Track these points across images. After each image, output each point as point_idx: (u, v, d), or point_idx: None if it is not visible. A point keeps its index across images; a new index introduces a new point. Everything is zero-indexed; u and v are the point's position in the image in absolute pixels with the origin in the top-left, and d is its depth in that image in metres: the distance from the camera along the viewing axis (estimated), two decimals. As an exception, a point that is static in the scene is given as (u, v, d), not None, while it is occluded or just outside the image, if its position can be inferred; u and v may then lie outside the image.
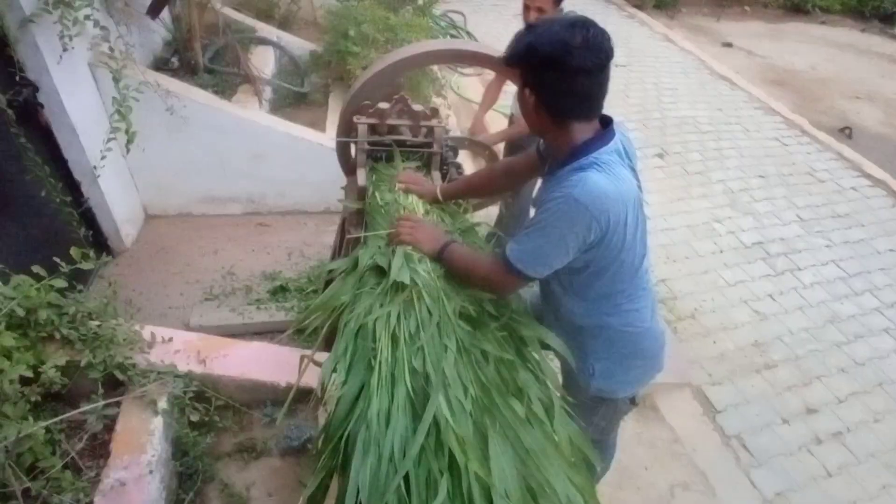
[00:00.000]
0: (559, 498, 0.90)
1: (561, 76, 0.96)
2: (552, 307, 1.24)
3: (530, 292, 1.37)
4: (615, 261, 1.06)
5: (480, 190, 1.50)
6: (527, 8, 2.06)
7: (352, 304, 1.15)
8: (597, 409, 1.29)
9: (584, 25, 0.96)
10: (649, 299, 1.19)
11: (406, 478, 0.89)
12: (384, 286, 1.16)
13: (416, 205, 1.42)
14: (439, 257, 1.21)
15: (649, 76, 5.24)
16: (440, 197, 1.42)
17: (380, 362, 1.02)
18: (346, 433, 0.96)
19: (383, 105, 1.62)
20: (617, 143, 1.04)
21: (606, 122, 1.06)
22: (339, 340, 1.08)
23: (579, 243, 1.00)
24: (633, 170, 1.10)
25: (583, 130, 1.02)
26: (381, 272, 1.21)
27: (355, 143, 1.59)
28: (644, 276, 1.15)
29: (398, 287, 1.15)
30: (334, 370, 1.04)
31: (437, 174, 1.63)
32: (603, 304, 1.14)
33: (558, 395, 1.08)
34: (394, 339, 1.06)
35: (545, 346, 1.17)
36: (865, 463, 2.12)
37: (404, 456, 0.91)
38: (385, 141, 1.61)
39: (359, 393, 1.00)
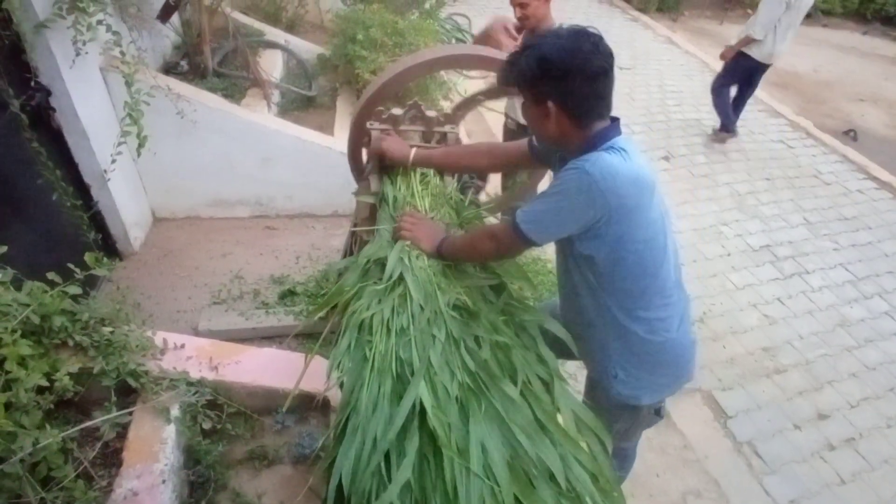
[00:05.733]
0: (556, 475, 0.92)
1: (584, 81, 0.99)
2: (577, 310, 1.24)
3: (558, 300, 1.37)
4: (630, 249, 1.06)
5: (458, 165, 1.50)
6: (514, 6, 2.14)
7: (355, 299, 1.19)
8: (619, 416, 1.28)
9: (585, 33, 1.00)
10: (678, 309, 1.17)
11: (389, 462, 0.93)
12: (380, 279, 1.21)
13: (423, 203, 1.44)
14: (438, 253, 1.26)
15: (653, 79, 5.25)
16: (409, 161, 1.44)
17: (374, 354, 1.07)
18: (342, 422, 1.00)
19: (396, 111, 1.62)
20: (629, 138, 1.06)
21: (612, 121, 1.10)
22: (342, 335, 1.12)
23: (587, 216, 1.01)
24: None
25: (599, 127, 1.07)
26: (384, 268, 1.25)
27: (368, 149, 1.58)
28: (670, 280, 1.13)
29: (395, 283, 1.20)
30: (339, 364, 1.08)
31: (449, 179, 1.62)
32: (624, 304, 1.13)
33: (556, 376, 1.10)
34: (388, 332, 1.11)
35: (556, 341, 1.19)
36: (879, 469, 2.11)
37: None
38: None
39: (355, 384, 1.05)
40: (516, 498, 0.89)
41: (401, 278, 1.21)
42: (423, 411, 0.97)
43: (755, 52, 3.78)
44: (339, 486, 0.93)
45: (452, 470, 0.89)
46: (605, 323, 1.17)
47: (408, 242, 1.28)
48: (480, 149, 1.45)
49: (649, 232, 1.05)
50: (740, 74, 3.97)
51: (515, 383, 1.05)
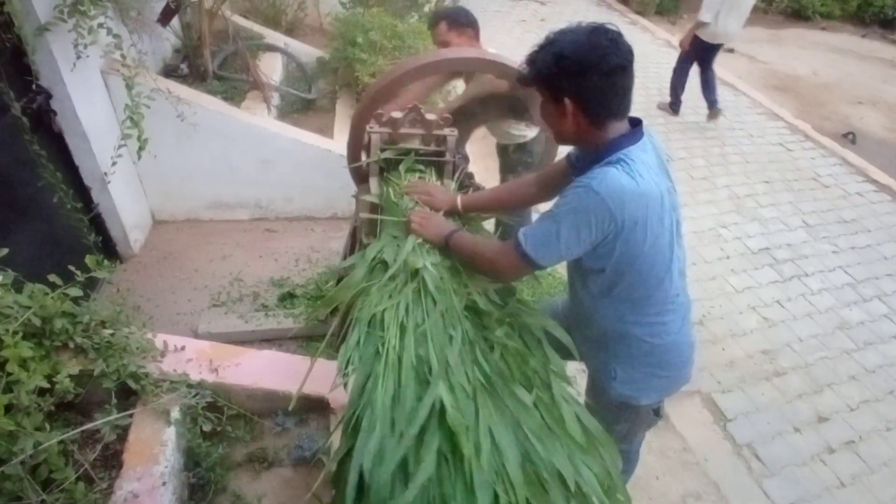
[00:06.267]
0: (567, 480, 0.93)
1: (601, 77, 0.98)
2: (579, 311, 1.25)
3: (560, 299, 1.37)
4: (634, 264, 1.05)
5: (510, 203, 1.47)
6: (438, 46, 2.13)
7: (363, 296, 1.19)
8: (619, 416, 1.29)
9: (603, 29, 0.99)
10: (680, 311, 1.17)
11: (405, 459, 0.93)
12: (392, 274, 1.21)
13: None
14: (446, 245, 1.25)
15: (652, 82, 5.26)
16: (460, 208, 1.41)
17: (387, 350, 1.06)
18: (354, 416, 1.00)
19: (396, 114, 1.62)
20: (647, 145, 1.05)
21: (635, 123, 1.07)
22: (352, 330, 1.12)
23: (592, 236, 1.01)
24: (668, 171, 1.10)
25: (617, 129, 1.04)
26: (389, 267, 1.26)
27: (368, 153, 1.59)
28: (674, 288, 1.13)
29: (407, 278, 1.20)
30: (349, 358, 1.08)
31: (449, 182, 1.63)
32: (625, 311, 1.14)
33: (563, 380, 1.11)
34: (402, 329, 1.10)
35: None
36: (878, 472, 2.11)
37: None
38: (398, 150, 1.61)
39: (367, 380, 1.05)
40: (527, 500, 0.90)
41: (415, 273, 1.21)
42: (441, 410, 0.97)
43: (703, 34, 4.29)
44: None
45: (472, 470, 0.90)
46: (606, 325, 1.17)
47: (419, 239, 1.28)
48: (530, 183, 1.40)
49: (656, 245, 1.04)
50: (696, 55, 4.51)
51: (526, 386, 1.06)
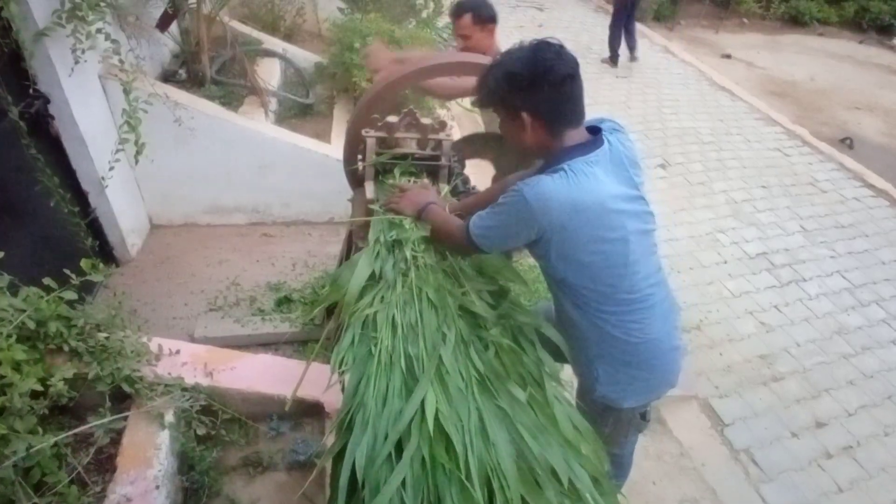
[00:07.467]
0: (561, 476, 0.94)
1: (552, 88, 1.03)
2: (560, 311, 1.26)
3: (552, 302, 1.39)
4: (576, 265, 1.09)
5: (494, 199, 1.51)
6: (456, 37, 2.11)
7: (358, 297, 1.21)
8: (604, 418, 1.28)
9: (545, 43, 1.05)
10: (655, 312, 1.16)
11: (402, 457, 0.94)
12: (382, 275, 1.23)
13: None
14: (420, 217, 1.33)
15: (650, 87, 5.29)
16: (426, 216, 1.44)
17: (379, 350, 1.08)
18: (348, 415, 1.02)
19: (392, 118, 1.63)
20: (600, 155, 1.07)
21: (595, 131, 1.13)
22: (345, 331, 1.14)
23: (523, 235, 1.09)
24: (633, 179, 1.11)
25: (573, 137, 1.09)
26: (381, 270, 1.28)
27: (364, 158, 1.60)
28: (638, 294, 1.13)
29: (403, 279, 1.22)
30: (342, 358, 1.09)
31: (444, 186, 1.64)
32: (592, 310, 1.15)
33: (554, 380, 1.14)
34: (393, 329, 1.13)
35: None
36: (876, 477, 2.10)
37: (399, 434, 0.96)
38: (394, 154, 1.62)
39: (361, 380, 1.07)
40: (522, 497, 0.90)
41: (406, 274, 1.23)
42: (432, 410, 0.98)
43: None
44: (349, 478, 0.94)
45: (468, 467, 0.91)
46: (582, 323, 1.18)
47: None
48: (508, 181, 1.43)
49: (599, 248, 1.07)
50: (622, 10, 5.24)
51: (520, 384, 1.07)
